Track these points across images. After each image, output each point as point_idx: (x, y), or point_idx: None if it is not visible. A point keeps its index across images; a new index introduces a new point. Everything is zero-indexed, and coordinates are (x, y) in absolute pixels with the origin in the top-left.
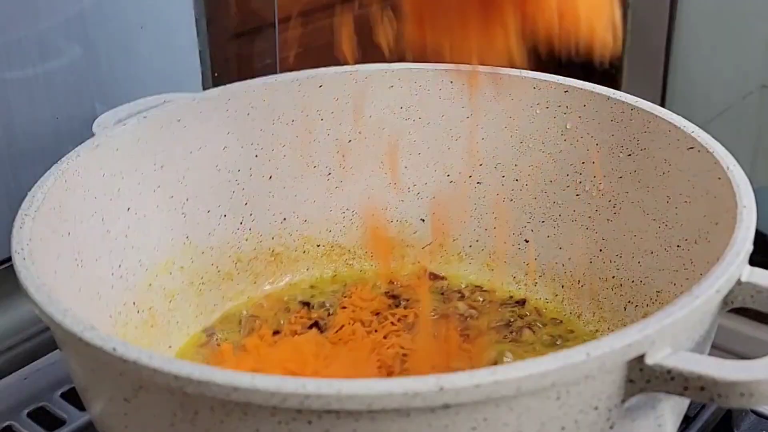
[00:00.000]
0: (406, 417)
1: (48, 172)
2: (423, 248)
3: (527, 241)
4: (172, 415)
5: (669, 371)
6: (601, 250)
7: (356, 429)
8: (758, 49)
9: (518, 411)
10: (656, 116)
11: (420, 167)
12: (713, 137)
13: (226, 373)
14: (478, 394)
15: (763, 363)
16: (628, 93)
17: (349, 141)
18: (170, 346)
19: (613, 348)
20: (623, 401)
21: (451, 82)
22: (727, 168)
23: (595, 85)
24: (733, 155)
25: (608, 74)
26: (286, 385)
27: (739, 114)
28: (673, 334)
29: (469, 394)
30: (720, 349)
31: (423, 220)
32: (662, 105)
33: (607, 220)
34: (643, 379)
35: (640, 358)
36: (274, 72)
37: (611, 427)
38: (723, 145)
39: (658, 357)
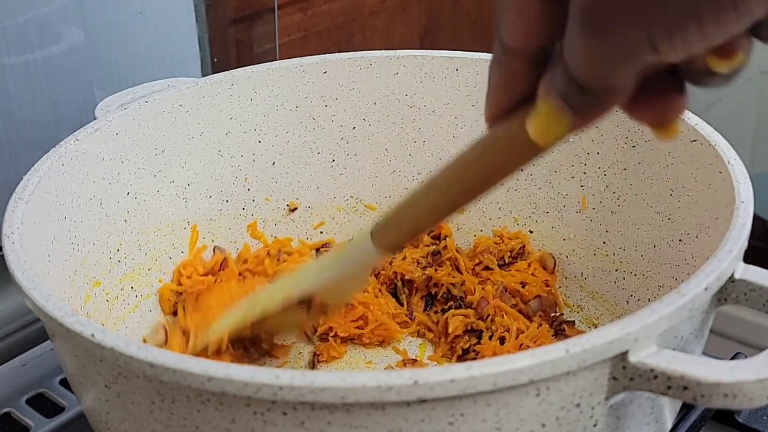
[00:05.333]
0: (382, 410)
1: (45, 156)
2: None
3: (531, 232)
4: (150, 402)
5: (652, 370)
6: (604, 242)
7: (331, 421)
8: None
9: (496, 407)
10: None
11: (424, 155)
12: (713, 122)
13: (200, 362)
14: (454, 389)
15: (748, 363)
16: None
17: (354, 128)
18: None
19: (593, 345)
20: (607, 399)
21: (457, 69)
22: (728, 162)
23: None
24: (732, 141)
25: None
26: (260, 375)
27: (739, 99)
28: (659, 332)
29: (444, 388)
30: (730, 338)
31: None
32: None
33: (611, 212)
34: (626, 377)
35: (623, 356)
36: (274, 57)
37: (595, 425)
38: (723, 130)
39: (641, 355)
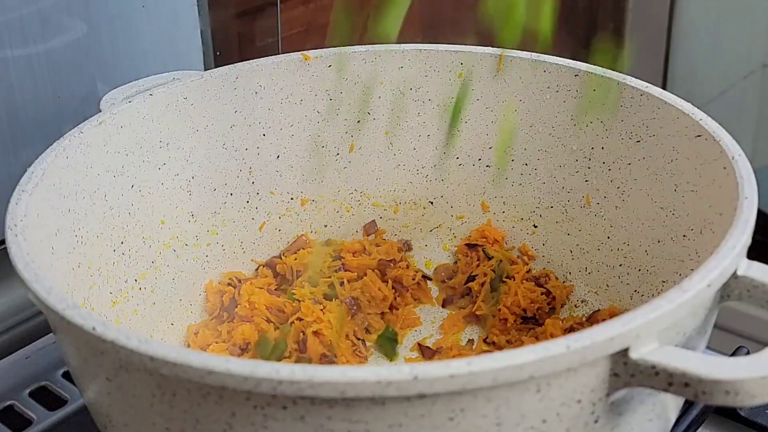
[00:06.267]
0: (381, 405)
1: (49, 148)
2: (431, 231)
3: (536, 227)
4: (150, 395)
5: (653, 366)
6: (609, 238)
7: (331, 416)
8: (760, 28)
9: (496, 402)
10: (665, 102)
11: (429, 149)
12: (715, 116)
13: (200, 356)
14: (453, 384)
15: (749, 361)
16: (629, 72)
17: (358, 121)
18: (172, 324)
19: (594, 341)
20: (608, 395)
21: (461, 63)
22: (733, 158)
23: (606, 70)
24: (734, 134)
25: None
26: (260, 369)
27: (741, 93)
28: (661, 328)
29: (443, 384)
30: (732, 331)
31: (432, 203)
32: (664, 84)
33: (616, 207)
34: (627, 373)
35: (624, 352)
36: (276, 51)
37: (596, 421)
38: (725, 124)
39: (643, 351)
